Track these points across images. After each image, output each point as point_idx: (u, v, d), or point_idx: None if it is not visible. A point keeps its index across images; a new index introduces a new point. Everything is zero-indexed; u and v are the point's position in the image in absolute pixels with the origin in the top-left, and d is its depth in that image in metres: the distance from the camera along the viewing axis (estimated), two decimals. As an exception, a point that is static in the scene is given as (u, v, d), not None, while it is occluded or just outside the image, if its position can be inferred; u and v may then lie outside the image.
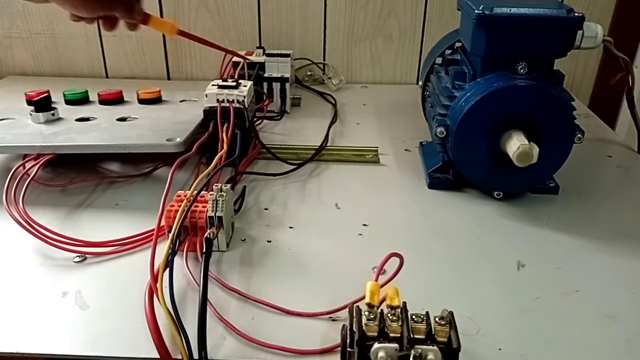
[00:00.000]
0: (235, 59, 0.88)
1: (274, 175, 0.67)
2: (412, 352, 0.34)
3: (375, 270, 0.47)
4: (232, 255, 0.52)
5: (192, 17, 0.99)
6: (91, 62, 1.02)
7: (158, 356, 0.39)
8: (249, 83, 0.71)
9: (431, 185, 0.65)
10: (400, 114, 0.88)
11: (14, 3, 0.98)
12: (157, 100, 0.79)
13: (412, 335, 0.35)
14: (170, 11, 0.98)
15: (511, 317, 0.45)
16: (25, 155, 0.65)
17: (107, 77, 1.03)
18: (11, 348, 0.41)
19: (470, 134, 0.59)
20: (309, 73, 1.02)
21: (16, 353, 0.41)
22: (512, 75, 0.57)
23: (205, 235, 0.49)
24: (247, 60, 0.85)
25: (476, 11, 0.56)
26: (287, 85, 0.86)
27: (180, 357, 0.39)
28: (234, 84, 0.70)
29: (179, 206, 0.50)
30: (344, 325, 0.38)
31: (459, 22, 0.65)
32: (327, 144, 0.76)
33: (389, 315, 0.35)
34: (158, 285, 0.43)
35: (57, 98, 0.77)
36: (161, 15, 0.99)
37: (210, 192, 0.51)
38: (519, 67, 0.57)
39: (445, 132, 0.60)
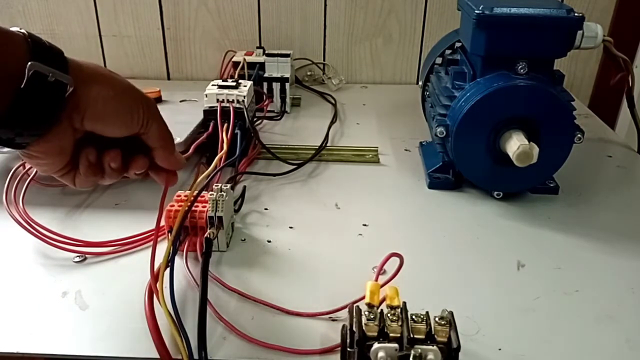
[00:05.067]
0: (235, 58, 0.88)
1: (274, 175, 0.67)
2: (412, 352, 0.34)
3: (375, 270, 0.47)
4: (232, 255, 0.52)
5: (192, 17, 0.99)
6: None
7: (158, 356, 0.39)
8: (249, 83, 0.71)
9: (431, 185, 0.65)
10: (400, 114, 0.88)
11: (14, 3, 0.98)
12: (157, 100, 0.79)
13: (412, 335, 0.35)
14: (170, 11, 0.98)
15: (511, 317, 0.45)
16: (25, 155, 0.65)
17: (107, 77, 1.03)
18: (11, 348, 0.41)
19: (470, 134, 0.59)
20: (309, 73, 1.02)
21: (16, 353, 0.41)
22: (512, 75, 0.57)
23: (205, 235, 0.49)
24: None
25: (476, 11, 0.56)
26: (287, 85, 0.86)
27: (180, 357, 0.39)
28: (234, 84, 0.70)
29: (179, 206, 0.50)
30: (344, 325, 0.38)
31: (459, 22, 0.65)
32: (327, 144, 0.76)
33: (388, 315, 0.35)
34: (158, 285, 0.43)
35: (57, 98, 0.77)
36: (161, 15, 0.99)
37: (210, 192, 0.51)
38: (519, 67, 0.57)
39: (445, 132, 0.60)
